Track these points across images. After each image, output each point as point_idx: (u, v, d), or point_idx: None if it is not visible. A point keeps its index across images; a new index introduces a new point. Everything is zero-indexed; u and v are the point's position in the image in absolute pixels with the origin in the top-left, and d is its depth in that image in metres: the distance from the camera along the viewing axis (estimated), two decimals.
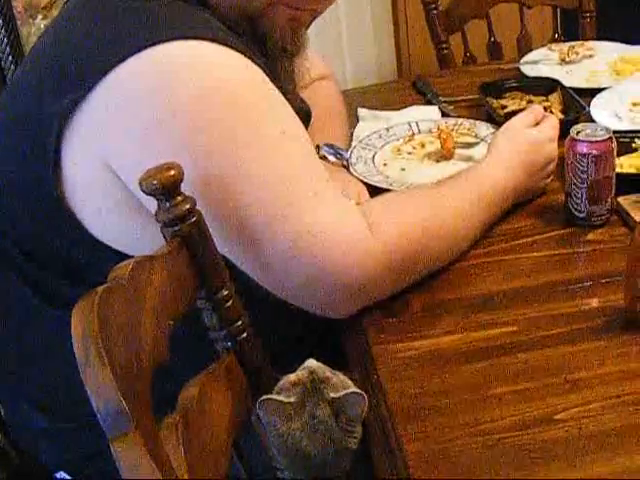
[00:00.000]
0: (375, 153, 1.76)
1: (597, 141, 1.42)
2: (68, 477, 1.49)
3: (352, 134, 1.87)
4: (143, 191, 1.10)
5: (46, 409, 1.45)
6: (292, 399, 1.11)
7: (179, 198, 1.11)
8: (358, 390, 1.10)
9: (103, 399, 0.81)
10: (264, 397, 1.10)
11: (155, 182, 1.09)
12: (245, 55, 1.26)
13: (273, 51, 1.42)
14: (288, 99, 1.32)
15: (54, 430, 1.46)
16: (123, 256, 1.21)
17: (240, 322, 1.20)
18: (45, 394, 1.45)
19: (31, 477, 1.51)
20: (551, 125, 1.58)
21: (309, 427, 1.10)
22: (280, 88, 1.32)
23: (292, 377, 1.13)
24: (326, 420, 1.10)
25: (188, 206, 1.11)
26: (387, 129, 1.85)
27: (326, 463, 1.11)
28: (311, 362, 1.14)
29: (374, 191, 1.59)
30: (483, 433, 1.08)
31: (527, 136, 1.54)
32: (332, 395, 1.10)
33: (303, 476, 1.14)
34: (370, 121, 1.94)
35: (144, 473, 0.77)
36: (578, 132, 1.44)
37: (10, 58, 2.90)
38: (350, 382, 1.14)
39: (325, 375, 1.12)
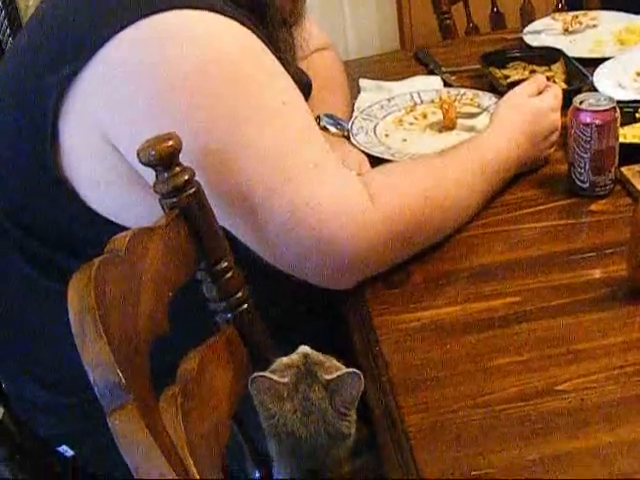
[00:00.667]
0: (377, 124, 1.74)
1: (600, 111, 1.41)
2: (70, 451, 1.49)
3: (354, 105, 1.85)
4: (141, 161, 1.09)
5: (47, 384, 1.45)
6: (285, 379, 1.10)
7: (177, 169, 1.10)
8: (354, 370, 1.09)
9: (100, 372, 0.81)
10: (256, 374, 1.09)
11: (153, 152, 1.08)
12: (244, 25, 1.25)
13: (272, 21, 1.41)
14: (288, 70, 1.31)
15: (55, 404, 1.46)
16: (122, 229, 1.20)
17: (240, 294, 1.20)
18: (46, 368, 1.44)
19: (33, 452, 1.50)
20: (554, 94, 1.56)
21: (301, 409, 1.09)
22: (280, 59, 1.30)
23: (285, 360, 1.12)
24: (320, 403, 1.09)
25: (186, 177, 1.11)
26: (389, 100, 1.83)
27: (317, 448, 1.10)
28: (304, 348, 1.14)
29: (375, 162, 1.58)
30: (485, 404, 1.07)
31: (530, 105, 1.53)
32: (326, 377, 1.09)
33: (293, 466, 1.13)
34: (372, 92, 1.92)
35: (141, 446, 0.77)
36: (581, 102, 1.43)
37: (8, 30, 2.89)
38: (344, 367, 1.12)
39: (319, 359, 1.11)
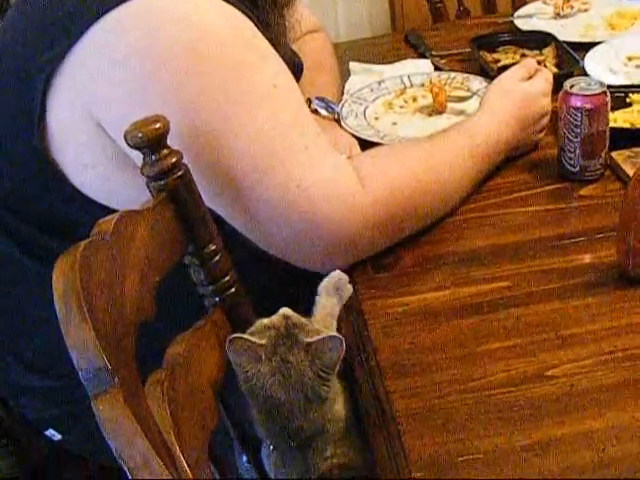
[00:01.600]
0: (366, 107, 1.73)
1: (591, 95, 1.40)
2: (58, 435, 1.48)
3: (344, 88, 1.84)
4: (128, 144, 1.09)
5: (35, 367, 1.44)
6: (263, 341, 1.09)
7: (165, 151, 1.09)
8: (336, 334, 1.08)
9: (84, 356, 0.80)
10: (234, 335, 1.08)
11: (140, 135, 1.07)
12: (236, 6, 1.24)
13: (264, 3, 1.39)
14: (279, 52, 1.30)
15: (42, 388, 1.45)
16: (110, 211, 1.19)
17: (228, 277, 1.19)
18: (33, 352, 1.44)
19: (20, 435, 1.50)
20: (545, 78, 1.56)
21: (279, 371, 1.08)
22: (271, 40, 1.29)
23: (265, 321, 1.12)
24: (298, 365, 1.08)
25: (174, 160, 1.10)
26: (379, 83, 1.82)
27: (294, 411, 1.09)
28: (286, 309, 1.13)
29: (365, 145, 1.57)
30: (474, 389, 1.07)
31: (520, 89, 1.52)
32: (307, 340, 1.08)
33: (270, 429, 1.12)
34: (362, 75, 1.91)
35: (125, 431, 0.76)
36: (572, 86, 1.42)
37: None
38: (325, 331, 1.12)
39: (300, 321, 1.11)
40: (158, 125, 1.07)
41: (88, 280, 0.85)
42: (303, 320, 1.12)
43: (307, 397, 1.08)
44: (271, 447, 1.14)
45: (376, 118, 1.70)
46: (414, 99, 1.76)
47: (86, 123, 1.22)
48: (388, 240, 1.31)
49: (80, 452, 1.52)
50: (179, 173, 1.10)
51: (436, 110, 1.70)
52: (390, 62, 1.98)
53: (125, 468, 0.75)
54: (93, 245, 0.91)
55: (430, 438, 1.01)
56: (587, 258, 1.29)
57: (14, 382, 1.48)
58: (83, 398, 1.37)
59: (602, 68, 1.77)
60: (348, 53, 2.07)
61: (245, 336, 1.09)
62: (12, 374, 1.47)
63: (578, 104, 1.40)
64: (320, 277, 1.29)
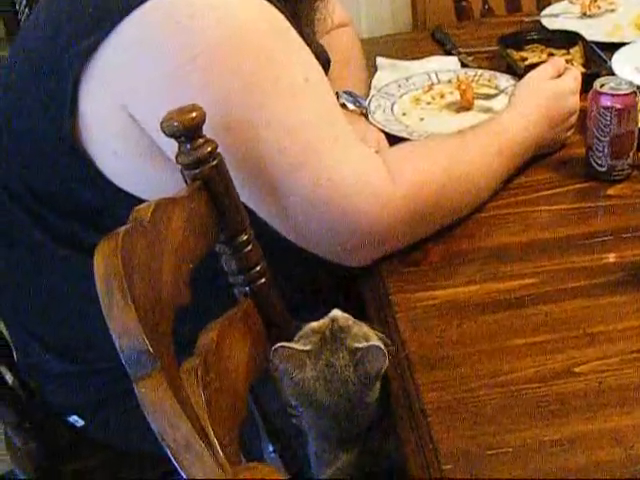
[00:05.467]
0: (394, 102, 1.74)
1: (621, 94, 1.41)
2: (81, 421, 1.49)
3: (371, 83, 1.84)
4: (164, 132, 1.09)
5: (59, 352, 1.45)
6: (308, 347, 1.10)
7: (200, 140, 1.10)
8: (380, 344, 1.08)
9: (127, 339, 0.80)
10: (278, 345, 1.09)
11: (176, 124, 1.08)
12: None
13: None
14: (309, 45, 1.30)
15: (66, 374, 1.46)
16: (137, 200, 1.21)
17: (259, 267, 1.20)
18: (57, 336, 1.44)
19: (43, 421, 1.51)
20: (573, 77, 1.56)
21: (324, 376, 1.09)
22: (300, 33, 1.30)
23: (314, 324, 1.12)
24: (343, 370, 1.08)
25: (210, 149, 1.10)
26: (406, 79, 1.82)
27: (340, 414, 1.10)
28: (336, 311, 1.13)
29: (393, 140, 1.57)
30: (502, 384, 1.07)
31: (549, 88, 1.52)
32: (353, 345, 1.09)
33: (320, 423, 1.13)
34: (389, 70, 1.92)
35: (168, 413, 0.77)
36: (602, 85, 1.43)
37: (24, 1, 2.87)
38: (374, 336, 1.12)
39: (347, 324, 1.11)
40: (194, 114, 1.08)
41: (129, 264, 0.86)
42: (351, 322, 1.12)
43: (351, 401, 1.09)
44: (316, 445, 1.16)
45: (404, 114, 1.70)
46: (441, 95, 1.76)
47: (117, 114, 1.22)
48: (417, 234, 1.32)
49: (103, 439, 1.52)
50: (214, 162, 1.11)
51: (463, 107, 1.71)
52: (416, 58, 1.98)
53: (167, 450, 0.76)
54: (132, 231, 0.91)
55: (459, 431, 1.02)
56: (614, 257, 1.29)
57: (39, 367, 1.49)
58: (108, 385, 1.40)
59: (630, 68, 1.77)
60: (373, 49, 2.07)
61: (287, 344, 1.09)
62: (37, 359, 1.48)
63: (608, 104, 1.40)
64: (348, 270, 1.30)
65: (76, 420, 1.49)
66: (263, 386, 1.20)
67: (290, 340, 1.11)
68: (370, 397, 1.10)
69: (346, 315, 1.13)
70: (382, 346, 1.08)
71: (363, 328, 1.12)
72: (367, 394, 1.10)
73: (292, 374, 1.10)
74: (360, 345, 1.09)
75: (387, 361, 1.08)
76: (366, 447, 1.13)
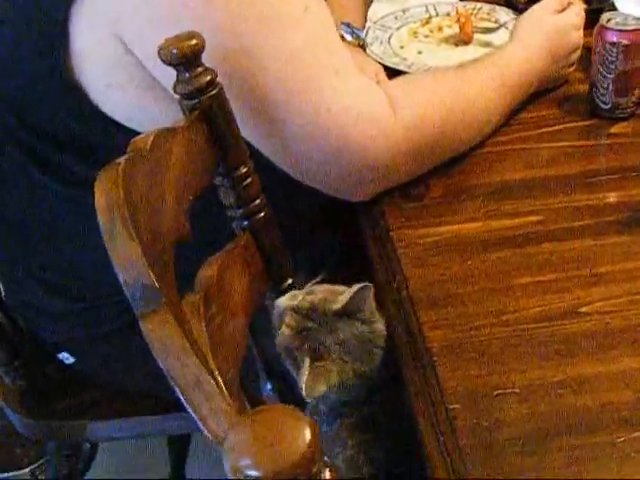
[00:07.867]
0: (391, 34, 1.70)
1: (628, 30, 1.37)
2: (71, 358, 1.47)
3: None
4: (162, 60, 1.05)
5: (54, 288, 1.43)
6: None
7: (199, 69, 1.06)
8: (359, 286, 1.06)
9: (131, 273, 0.77)
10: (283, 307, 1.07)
11: (175, 51, 1.04)
12: None
13: None
14: None
15: (60, 310, 1.44)
16: (132, 132, 1.17)
17: (257, 201, 1.17)
18: (53, 272, 1.42)
19: (32, 357, 1.49)
20: (576, 12, 1.53)
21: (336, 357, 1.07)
22: None
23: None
24: (350, 339, 1.06)
25: (209, 78, 1.07)
26: (403, 11, 1.78)
27: (344, 387, 1.08)
28: (301, 302, 1.09)
29: (390, 73, 1.54)
30: (508, 323, 1.05)
31: (552, 22, 1.49)
32: (336, 307, 1.06)
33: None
34: (385, 2, 1.87)
35: (175, 350, 0.74)
36: (608, 20, 1.39)
37: None
38: (340, 289, 1.10)
39: (321, 297, 1.08)
40: (194, 41, 1.04)
41: (130, 196, 0.83)
42: (320, 295, 1.09)
43: (355, 372, 1.07)
44: None
45: (401, 47, 1.66)
46: (439, 28, 1.72)
47: (111, 45, 1.18)
48: (418, 168, 1.29)
49: (93, 376, 1.51)
50: (213, 92, 1.08)
51: (462, 40, 1.67)
52: None
53: (175, 388, 0.73)
54: (132, 161, 0.88)
55: (464, 370, 1.00)
56: (619, 196, 1.26)
57: (29, 303, 1.46)
58: (100, 321, 1.37)
59: (633, 3, 1.73)
60: None
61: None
62: (27, 294, 1.46)
63: (614, 39, 1.37)
64: (347, 205, 1.28)
65: (66, 357, 1.48)
66: (260, 322, 1.17)
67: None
68: (382, 330, 1.09)
69: (309, 295, 1.09)
70: (361, 285, 1.06)
71: (331, 288, 1.10)
72: (379, 327, 1.08)
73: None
74: (343, 302, 1.06)
75: (371, 289, 1.06)
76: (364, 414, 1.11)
